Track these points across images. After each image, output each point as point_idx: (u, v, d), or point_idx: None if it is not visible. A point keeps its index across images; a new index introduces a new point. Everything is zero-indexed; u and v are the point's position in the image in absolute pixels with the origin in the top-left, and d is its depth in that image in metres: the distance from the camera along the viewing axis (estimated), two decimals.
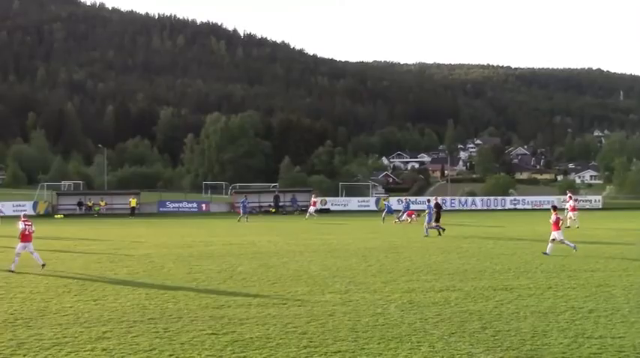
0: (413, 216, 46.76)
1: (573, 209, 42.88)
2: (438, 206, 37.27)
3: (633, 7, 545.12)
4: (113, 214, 66.35)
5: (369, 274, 19.90)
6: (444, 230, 35.74)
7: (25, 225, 21.77)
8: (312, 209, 57.71)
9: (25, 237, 21.58)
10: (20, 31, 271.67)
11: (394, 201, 64.35)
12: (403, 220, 47.24)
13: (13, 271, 20.88)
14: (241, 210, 55.23)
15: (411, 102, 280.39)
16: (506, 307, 14.32)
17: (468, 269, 20.82)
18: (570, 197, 46.79)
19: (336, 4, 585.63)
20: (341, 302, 15.10)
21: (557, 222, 25.31)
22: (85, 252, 27.96)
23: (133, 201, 66.77)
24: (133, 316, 13.72)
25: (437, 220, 36.29)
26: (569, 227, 38.97)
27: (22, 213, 24.86)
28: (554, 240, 25.01)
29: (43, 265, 21.34)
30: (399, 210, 51.12)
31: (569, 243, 25.20)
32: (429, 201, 40.50)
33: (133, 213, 65.69)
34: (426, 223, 35.82)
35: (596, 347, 10.96)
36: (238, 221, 52.53)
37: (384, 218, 49.59)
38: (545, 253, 24.41)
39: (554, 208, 26.81)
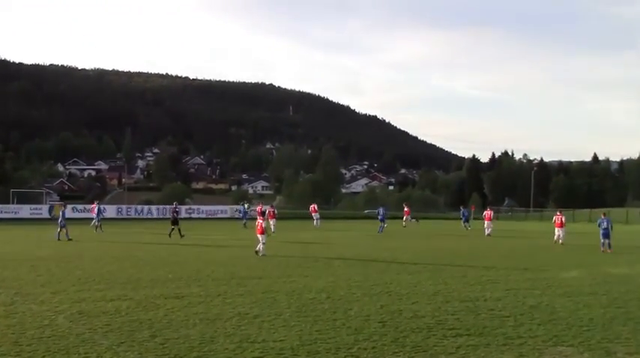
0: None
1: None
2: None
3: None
4: None
5: (37, 284, 19.28)
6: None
7: None
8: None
9: None
10: None
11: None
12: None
13: None
14: None
15: (89, 108, 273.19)
16: (177, 315, 14.59)
17: (141, 277, 20.91)
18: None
19: (11, 2, 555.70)
20: (5, 314, 14.49)
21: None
22: None
23: None
24: None
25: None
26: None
27: None
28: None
29: None
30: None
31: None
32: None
33: None
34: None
35: (259, 350, 11.53)
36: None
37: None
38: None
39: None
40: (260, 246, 28.94)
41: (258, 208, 54.79)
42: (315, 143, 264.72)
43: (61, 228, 38.65)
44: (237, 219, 65.75)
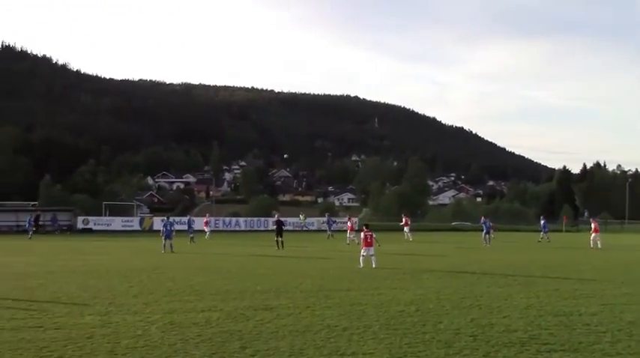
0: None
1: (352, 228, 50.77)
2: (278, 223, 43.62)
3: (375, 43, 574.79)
4: None
5: (130, 295, 19.63)
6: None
7: None
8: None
9: None
10: None
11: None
12: None
13: None
14: (28, 227, 58.61)
15: (177, 122, 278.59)
16: (266, 326, 14.63)
17: (230, 289, 21.07)
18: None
19: (101, 20, 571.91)
20: (100, 324, 14.79)
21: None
22: None
23: None
24: None
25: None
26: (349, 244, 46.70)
27: None
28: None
29: None
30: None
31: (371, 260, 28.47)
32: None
33: None
34: None
35: None
36: (29, 238, 54.97)
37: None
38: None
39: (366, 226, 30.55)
40: (372, 259, 28.59)
41: (349, 221, 54.62)
42: (401, 155, 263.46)
43: (166, 238, 39.12)
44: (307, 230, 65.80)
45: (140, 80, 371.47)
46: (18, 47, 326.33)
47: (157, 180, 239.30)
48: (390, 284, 22.65)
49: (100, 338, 13.29)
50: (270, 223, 72.50)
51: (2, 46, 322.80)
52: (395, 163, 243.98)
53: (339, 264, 30.18)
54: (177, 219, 54.82)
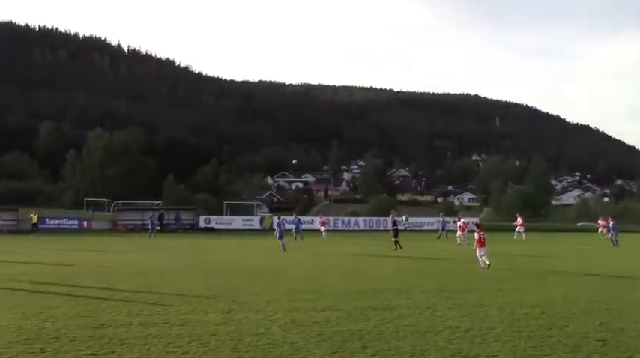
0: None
1: (463, 229, 49.87)
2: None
3: (504, 38, 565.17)
4: None
5: (252, 293, 19.86)
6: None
7: None
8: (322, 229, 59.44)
9: None
10: None
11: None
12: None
13: None
14: (150, 226, 59.09)
15: (296, 123, 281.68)
16: (386, 326, 14.53)
17: (350, 288, 21.03)
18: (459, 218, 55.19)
19: (222, 23, 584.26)
20: (223, 321, 15.02)
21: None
22: None
23: (35, 217, 64.37)
24: (7, 336, 13.28)
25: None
26: (460, 244, 46.35)
27: None
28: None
29: None
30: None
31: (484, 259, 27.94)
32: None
33: (34, 228, 63.32)
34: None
35: None
36: (149, 236, 55.78)
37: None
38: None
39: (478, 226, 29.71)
40: (484, 259, 28.16)
41: (460, 221, 53.31)
42: (523, 154, 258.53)
43: (280, 238, 39.62)
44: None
45: (260, 81, 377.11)
46: (143, 51, 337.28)
47: (276, 179, 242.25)
48: (513, 286, 22.15)
49: (223, 335, 13.48)
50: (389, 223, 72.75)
51: (128, 50, 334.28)
52: (517, 162, 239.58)
53: (458, 264, 29.79)
54: (288, 218, 55.18)
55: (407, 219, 68.08)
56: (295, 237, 51.57)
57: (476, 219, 57.18)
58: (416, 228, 75.77)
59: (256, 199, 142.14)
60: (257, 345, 12.58)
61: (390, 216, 51.49)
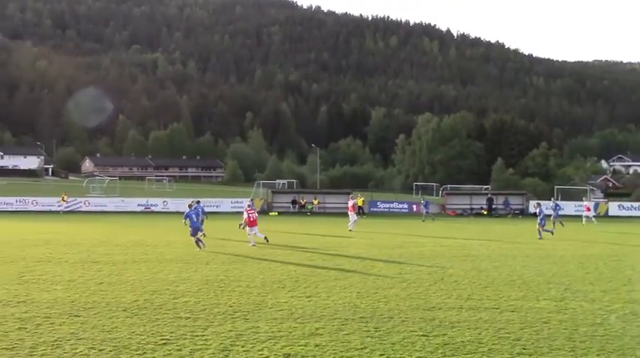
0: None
1: None
2: None
3: None
4: (325, 213, 67.56)
5: (586, 282, 19.01)
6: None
7: (249, 213, 28.79)
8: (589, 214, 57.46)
9: (252, 223, 28.69)
10: (241, 35, 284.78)
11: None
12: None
13: (254, 245, 28.01)
14: (423, 210, 59.80)
15: (634, 103, 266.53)
16: None
17: None
18: None
19: (553, 3, 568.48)
20: (556, 309, 14.52)
21: None
22: (297, 248, 28.63)
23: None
24: (344, 314, 13.82)
25: None
26: None
27: (247, 203, 31.37)
28: None
29: (266, 238, 28.60)
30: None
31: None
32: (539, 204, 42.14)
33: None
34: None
35: None
36: (423, 221, 56.17)
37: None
38: None
39: None
40: None
41: None
42: None
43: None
44: None
45: (595, 61, 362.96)
46: (472, 35, 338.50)
47: (611, 163, 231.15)
48: None
49: (556, 323, 13.03)
50: None
51: (457, 34, 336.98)
52: None
53: None
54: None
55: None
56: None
57: None
58: None
59: (589, 184, 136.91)
60: (593, 336, 11.99)
61: None
